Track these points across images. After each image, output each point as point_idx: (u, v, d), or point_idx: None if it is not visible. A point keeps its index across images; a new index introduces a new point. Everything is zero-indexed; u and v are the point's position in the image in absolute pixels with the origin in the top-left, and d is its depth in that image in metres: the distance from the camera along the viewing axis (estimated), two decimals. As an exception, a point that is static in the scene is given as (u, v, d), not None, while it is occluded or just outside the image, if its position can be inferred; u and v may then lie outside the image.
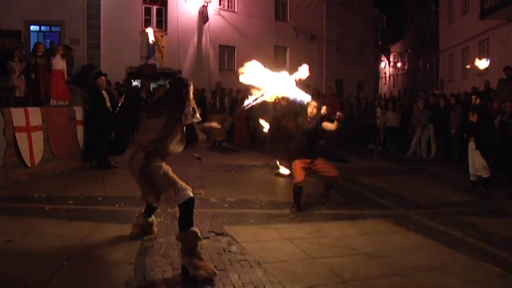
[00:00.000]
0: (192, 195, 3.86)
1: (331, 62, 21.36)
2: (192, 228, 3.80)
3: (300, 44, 19.76)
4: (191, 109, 3.96)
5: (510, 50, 13.87)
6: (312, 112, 6.22)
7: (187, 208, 3.83)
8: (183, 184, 3.88)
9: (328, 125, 6.21)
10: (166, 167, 3.95)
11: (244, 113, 12.69)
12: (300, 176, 6.05)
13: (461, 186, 8.13)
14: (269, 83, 4.47)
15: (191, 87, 4.12)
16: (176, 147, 3.98)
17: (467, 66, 8.54)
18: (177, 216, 3.96)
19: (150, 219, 4.62)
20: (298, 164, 6.13)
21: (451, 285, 3.84)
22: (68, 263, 3.84)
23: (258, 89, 4.54)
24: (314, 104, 6.24)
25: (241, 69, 4.55)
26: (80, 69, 13.40)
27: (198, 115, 4.02)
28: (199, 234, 3.84)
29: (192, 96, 4.10)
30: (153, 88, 15.52)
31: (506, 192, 7.68)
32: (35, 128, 7.31)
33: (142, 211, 4.62)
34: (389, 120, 13.27)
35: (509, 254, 4.65)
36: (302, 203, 6.11)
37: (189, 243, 3.75)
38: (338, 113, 6.09)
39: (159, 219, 5.31)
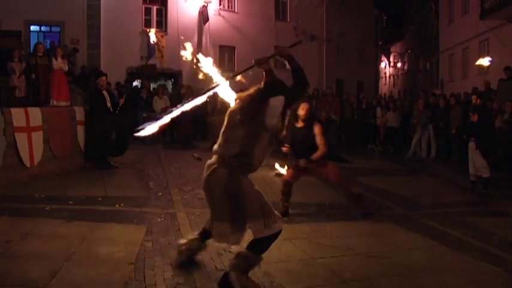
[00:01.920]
0: (281, 227, 3.37)
1: (331, 62, 21.37)
2: (262, 255, 3.39)
3: (300, 44, 19.77)
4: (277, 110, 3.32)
5: (510, 50, 13.88)
6: (305, 115, 5.68)
7: (270, 238, 3.32)
8: (275, 214, 3.39)
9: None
10: (258, 191, 3.37)
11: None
12: (289, 172, 5.91)
13: (461, 186, 8.13)
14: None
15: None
16: (261, 157, 3.37)
17: (477, 63, 8.49)
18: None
19: (204, 244, 3.82)
20: (293, 169, 5.90)
21: (451, 285, 3.84)
22: (68, 263, 3.85)
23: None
24: (307, 106, 5.73)
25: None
26: (80, 69, 13.42)
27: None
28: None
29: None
30: (153, 88, 15.53)
31: (506, 192, 7.69)
32: (35, 128, 7.31)
33: (198, 234, 3.83)
34: (389, 121, 13.27)
35: (509, 254, 4.65)
36: (302, 203, 6.12)
37: (249, 265, 3.37)
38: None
39: (159, 219, 5.32)
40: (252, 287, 3.36)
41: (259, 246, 3.33)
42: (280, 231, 3.35)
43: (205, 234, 3.71)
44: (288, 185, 5.78)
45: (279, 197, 5.76)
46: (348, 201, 6.19)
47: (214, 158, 3.38)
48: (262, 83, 3.43)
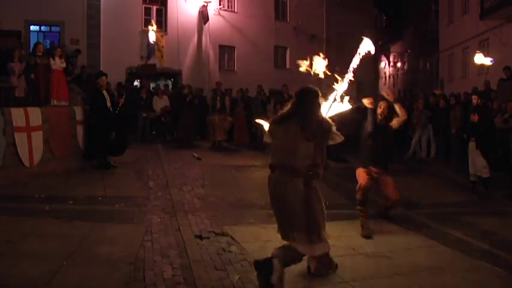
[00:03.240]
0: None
1: (331, 62, 21.33)
2: (303, 257, 3.59)
3: (300, 44, 19.75)
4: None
5: (510, 50, 13.86)
6: (382, 113, 5.61)
7: None
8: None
9: (395, 123, 5.68)
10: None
11: (244, 112, 12.73)
12: (362, 178, 5.39)
13: (461, 186, 8.13)
14: None
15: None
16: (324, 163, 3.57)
17: (476, 61, 8.40)
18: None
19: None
20: (361, 171, 5.48)
21: (451, 285, 3.84)
22: (68, 263, 3.85)
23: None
24: (385, 104, 5.63)
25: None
26: (80, 69, 13.40)
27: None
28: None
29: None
30: (153, 88, 15.52)
31: (506, 192, 7.69)
32: (34, 128, 7.31)
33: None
34: (389, 120, 13.25)
35: (509, 254, 4.65)
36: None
37: (293, 259, 3.52)
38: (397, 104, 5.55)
39: (159, 219, 5.32)
40: (282, 284, 3.41)
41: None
42: None
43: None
44: (365, 191, 5.33)
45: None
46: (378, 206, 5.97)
47: (281, 171, 3.48)
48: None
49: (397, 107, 5.60)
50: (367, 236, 5.03)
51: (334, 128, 3.55)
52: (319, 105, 3.59)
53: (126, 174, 8.07)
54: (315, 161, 3.43)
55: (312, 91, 3.64)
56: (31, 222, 4.97)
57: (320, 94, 3.68)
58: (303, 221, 3.39)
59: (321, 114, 3.58)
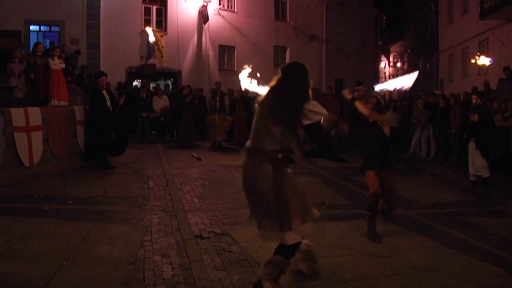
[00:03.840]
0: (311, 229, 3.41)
1: (331, 62, 21.36)
2: (290, 260, 3.36)
3: (300, 44, 19.77)
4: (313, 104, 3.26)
5: (510, 50, 13.87)
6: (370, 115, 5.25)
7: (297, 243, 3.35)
8: (312, 213, 3.38)
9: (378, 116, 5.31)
10: (302, 188, 3.34)
11: (244, 112, 12.73)
12: (374, 183, 5.14)
13: (461, 186, 8.13)
14: None
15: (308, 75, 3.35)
16: (301, 149, 3.27)
17: (472, 61, 8.26)
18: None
19: (303, 246, 3.65)
20: (371, 174, 5.24)
21: (451, 285, 3.84)
22: (68, 263, 3.85)
23: None
24: (372, 104, 5.29)
25: None
26: (80, 69, 13.41)
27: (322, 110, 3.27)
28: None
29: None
30: (153, 88, 15.54)
31: (506, 192, 7.69)
32: (34, 128, 7.31)
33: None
34: (389, 120, 13.25)
35: (509, 254, 4.65)
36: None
37: (281, 270, 3.32)
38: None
39: (159, 219, 5.32)
40: None
41: (291, 249, 3.30)
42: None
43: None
44: (377, 198, 5.11)
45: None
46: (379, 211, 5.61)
47: (254, 155, 3.29)
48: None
49: (357, 106, 5.21)
50: (375, 241, 4.86)
51: (309, 105, 3.20)
52: (301, 84, 3.28)
53: (126, 174, 8.07)
54: (284, 146, 3.16)
55: (294, 69, 3.36)
56: (31, 222, 4.97)
57: (307, 71, 3.35)
58: (274, 207, 3.16)
59: (301, 95, 3.24)
